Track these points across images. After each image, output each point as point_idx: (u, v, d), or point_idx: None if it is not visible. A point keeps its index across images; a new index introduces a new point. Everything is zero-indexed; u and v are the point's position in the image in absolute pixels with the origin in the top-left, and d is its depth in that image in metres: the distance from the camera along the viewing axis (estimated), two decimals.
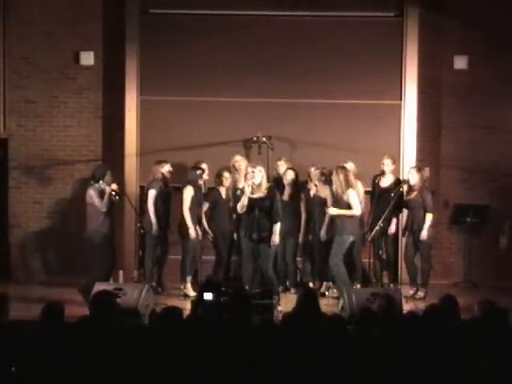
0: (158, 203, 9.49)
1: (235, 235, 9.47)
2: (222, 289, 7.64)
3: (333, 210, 8.93)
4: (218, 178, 9.55)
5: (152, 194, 9.49)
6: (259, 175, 8.79)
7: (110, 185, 8.98)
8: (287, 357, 4.97)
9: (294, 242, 9.60)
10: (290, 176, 9.55)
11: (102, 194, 8.95)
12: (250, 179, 8.77)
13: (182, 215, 9.33)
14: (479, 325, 5.27)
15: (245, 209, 8.76)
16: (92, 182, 9.08)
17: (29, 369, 4.96)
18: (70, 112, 10.81)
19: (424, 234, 9.34)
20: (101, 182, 9.01)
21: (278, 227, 8.79)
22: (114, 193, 8.94)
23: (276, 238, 8.78)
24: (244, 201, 8.75)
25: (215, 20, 10.72)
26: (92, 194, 8.97)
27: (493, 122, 10.63)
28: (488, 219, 10.45)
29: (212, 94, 10.64)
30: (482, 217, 10.41)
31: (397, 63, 10.62)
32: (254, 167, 8.90)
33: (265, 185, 8.85)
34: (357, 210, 8.90)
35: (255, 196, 8.77)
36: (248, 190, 8.73)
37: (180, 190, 9.49)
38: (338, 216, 8.90)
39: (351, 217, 8.89)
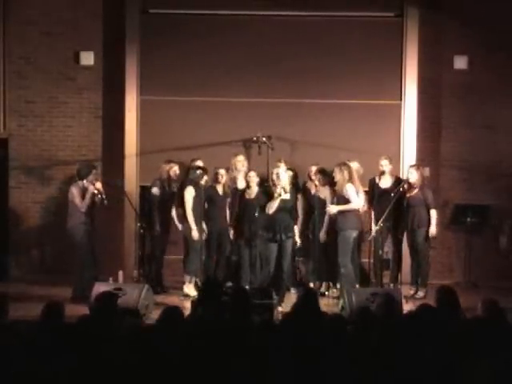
0: (159, 202, 9.50)
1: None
2: (223, 289, 7.65)
3: (333, 208, 8.93)
4: (214, 175, 9.54)
5: (153, 192, 9.50)
6: (285, 176, 8.90)
7: (94, 184, 9.01)
8: (287, 357, 4.97)
9: (294, 241, 9.58)
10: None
11: (84, 192, 8.99)
12: (279, 180, 8.77)
13: (185, 215, 9.33)
14: (482, 324, 5.26)
15: (274, 210, 8.79)
16: (76, 178, 9.12)
17: (29, 369, 4.95)
18: (70, 112, 10.81)
19: (433, 230, 9.40)
20: (85, 180, 9.04)
21: (296, 228, 9.21)
22: (96, 191, 8.97)
23: (298, 239, 9.26)
24: (276, 202, 8.74)
25: (215, 20, 10.71)
26: (74, 192, 9.04)
27: (493, 122, 10.63)
28: (488, 219, 10.45)
29: (212, 94, 10.64)
30: (482, 217, 10.40)
31: (397, 63, 10.62)
32: (278, 168, 9.00)
33: (288, 187, 8.93)
34: (356, 203, 8.88)
35: (283, 197, 8.80)
36: (282, 192, 8.75)
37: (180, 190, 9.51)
38: (339, 212, 8.90)
39: (353, 211, 8.89)
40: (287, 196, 8.83)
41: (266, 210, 8.83)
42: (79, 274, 8.93)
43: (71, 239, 9.08)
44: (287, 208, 8.83)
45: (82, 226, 8.99)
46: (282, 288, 8.74)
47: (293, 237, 8.98)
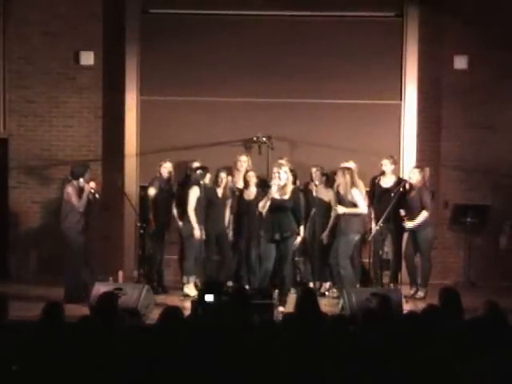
0: (155, 202, 9.51)
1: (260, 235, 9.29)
2: (223, 289, 7.66)
3: (340, 209, 8.90)
4: (215, 177, 9.52)
5: (150, 192, 9.52)
6: (284, 176, 8.74)
7: (88, 183, 8.99)
8: (287, 357, 4.96)
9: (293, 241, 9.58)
10: None
11: (80, 192, 8.97)
12: (276, 180, 8.72)
13: (187, 215, 9.33)
14: (482, 324, 5.26)
15: (267, 209, 8.74)
16: (70, 178, 9.09)
17: (29, 369, 4.95)
18: (70, 112, 10.82)
19: (410, 225, 9.28)
20: (80, 179, 9.01)
21: (302, 229, 8.98)
22: (92, 191, 8.96)
23: (299, 240, 9.00)
24: (267, 201, 8.69)
25: (215, 20, 10.72)
26: (70, 191, 8.97)
27: (493, 122, 10.63)
28: (488, 219, 10.45)
29: (212, 94, 10.64)
30: (482, 217, 10.41)
31: (397, 63, 10.62)
32: (280, 168, 8.84)
33: (290, 187, 8.81)
34: (363, 208, 8.93)
35: (279, 197, 8.74)
36: (273, 191, 8.68)
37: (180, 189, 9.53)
38: (344, 215, 8.90)
39: (357, 215, 8.90)
40: (285, 196, 8.76)
41: (260, 210, 8.83)
42: (70, 274, 8.84)
43: (66, 239, 9.01)
44: (282, 207, 8.71)
45: (78, 226, 8.95)
46: (284, 288, 8.71)
47: (291, 236, 8.80)
